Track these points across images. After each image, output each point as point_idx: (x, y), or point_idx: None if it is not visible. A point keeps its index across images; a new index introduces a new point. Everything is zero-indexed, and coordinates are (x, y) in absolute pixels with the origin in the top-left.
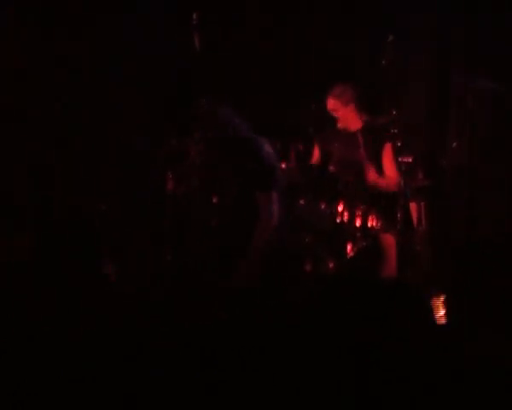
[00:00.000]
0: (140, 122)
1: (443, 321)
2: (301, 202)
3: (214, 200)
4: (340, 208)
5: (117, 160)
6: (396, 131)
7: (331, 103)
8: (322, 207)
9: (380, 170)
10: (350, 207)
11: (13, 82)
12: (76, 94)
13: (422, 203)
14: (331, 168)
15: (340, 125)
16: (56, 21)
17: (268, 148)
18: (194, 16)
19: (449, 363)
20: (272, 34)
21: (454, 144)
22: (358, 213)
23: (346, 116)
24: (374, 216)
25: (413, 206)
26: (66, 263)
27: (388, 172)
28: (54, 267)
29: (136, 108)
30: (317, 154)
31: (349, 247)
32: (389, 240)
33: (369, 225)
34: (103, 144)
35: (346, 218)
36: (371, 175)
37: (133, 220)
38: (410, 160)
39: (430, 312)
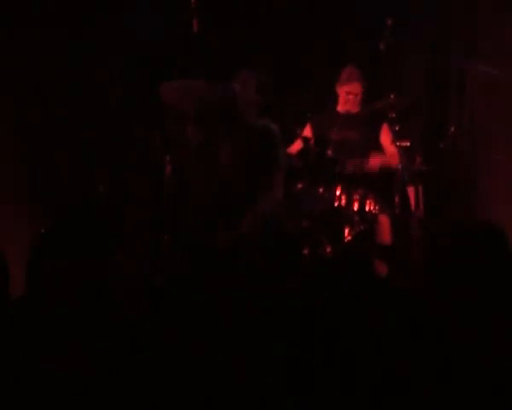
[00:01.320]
0: (138, 106)
1: None
2: (299, 185)
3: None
4: (337, 192)
5: (116, 144)
6: (394, 115)
7: (357, 87)
8: (320, 190)
9: (379, 151)
10: (347, 191)
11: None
12: (76, 79)
13: (420, 187)
14: (329, 152)
15: (347, 107)
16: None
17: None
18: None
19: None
20: (271, 16)
21: (452, 129)
22: (356, 197)
23: (359, 96)
24: (371, 200)
25: (410, 190)
26: (79, 248)
27: (388, 149)
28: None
29: (135, 93)
30: (311, 137)
31: (347, 231)
32: (385, 223)
33: (367, 209)
34: (102, 129)
35: (343, 202)
36: (374, 161)
37: (133, 205)
38: (408, 144)
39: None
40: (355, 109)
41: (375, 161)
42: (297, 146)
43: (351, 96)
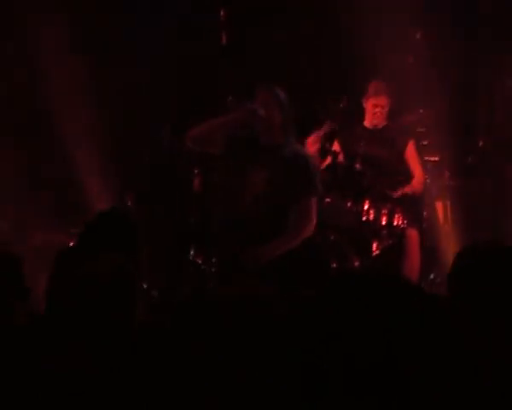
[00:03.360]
0: (168, 119)
1: None
2: (327, 199)
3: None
4: (365, 206)
5: (145, 157)
6: (423, 129)
7: (384, 100)
8: (348, 204)
9: (404, 168)
10: (375, 205)
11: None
12: (105, 92)
13: (448, 202)
14: (357, 166)
15: (375, 122)
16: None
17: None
18: (222, 13)
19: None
20: (299, 30)
21: (480, 143)
22: (384, 211)
23: (386, 109)
24: (399, 214)
25: (439, 205)
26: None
27: (414, 170)
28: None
29: (164, 105)
30: (339, 151)
31: (374, 245)
32: (414, 237)
33: (395, 223)
34: (131, 140)
35: (371, 216)
36: (397, 194)
37: (160, 218)
38: (437, 158)
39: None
40: (382, 123)
41: (397, 195)
42: (325, 160)
43: (378, 109)
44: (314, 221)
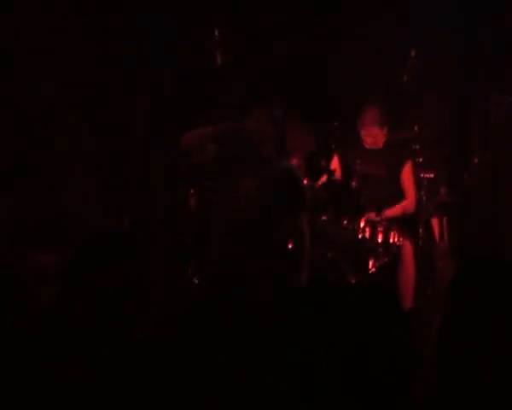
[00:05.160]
0: (165, 136)
1: None
2: (324, 217)
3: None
4: (361, 224)
5: (142, 174)
6: (418, 147)
7: (374, 130)
8: (345, 222)
9: (398, 187)
10: (372, 223)
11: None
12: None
13: (444, 219)
14: (353, 184)
15: (369, 143)
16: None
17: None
18: (217, 32)
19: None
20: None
21: (476, 160)
22: (380, 228)
23: (379, 136)
24: (395, 232)
25: (435, 221)
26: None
27: (407, 192)
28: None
29: (162, 122)
30: (337, 170)
31: (371, 262)
32: (409, 254)
33: (391, 240)
34: (128, 158)
35: (367, 233)
36: (389, 214)
37: (157, 236)
38: (432, 175)
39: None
40: (377, 144)
41: (389, 214)
42: (322, 178)
43: (369, 139)
44: (308, 234)
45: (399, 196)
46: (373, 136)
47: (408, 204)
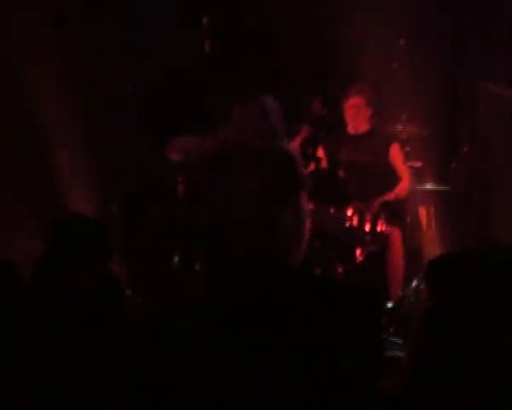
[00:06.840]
0: (152, 126)
1: None
2: (310, 206)
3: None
4: (349, 213)
5: (129, 163)
6: (405, 136)
7: (358, 100)
8: (332, 211)
9: (389, 172)
10: (359, 212)
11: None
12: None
13: (432, 208)
14: (340, 172)
15: (351, 126)
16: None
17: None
18: (205, 20)
19: None
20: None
21: (465, 149)
22: (368, 217)
23: (363, 118)
24: (383, 220)
25: (422, 210)
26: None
27: (402, 172)
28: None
29: (150, 112)
30: (322, 158)
31: (358, 251)
32: (397, 243)
33: (379, 229)
34: (116, 147)
35: (355, 222)
36: (377, 202)
37: (144, 225)
38: (420, 165)
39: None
40: (363, 128)
41: (377, 203)
42: (308, 166)
43: (351, 110)
44: (307, 212)
45: (387, 182)
46: (356, 106)
47: (402, 187)
